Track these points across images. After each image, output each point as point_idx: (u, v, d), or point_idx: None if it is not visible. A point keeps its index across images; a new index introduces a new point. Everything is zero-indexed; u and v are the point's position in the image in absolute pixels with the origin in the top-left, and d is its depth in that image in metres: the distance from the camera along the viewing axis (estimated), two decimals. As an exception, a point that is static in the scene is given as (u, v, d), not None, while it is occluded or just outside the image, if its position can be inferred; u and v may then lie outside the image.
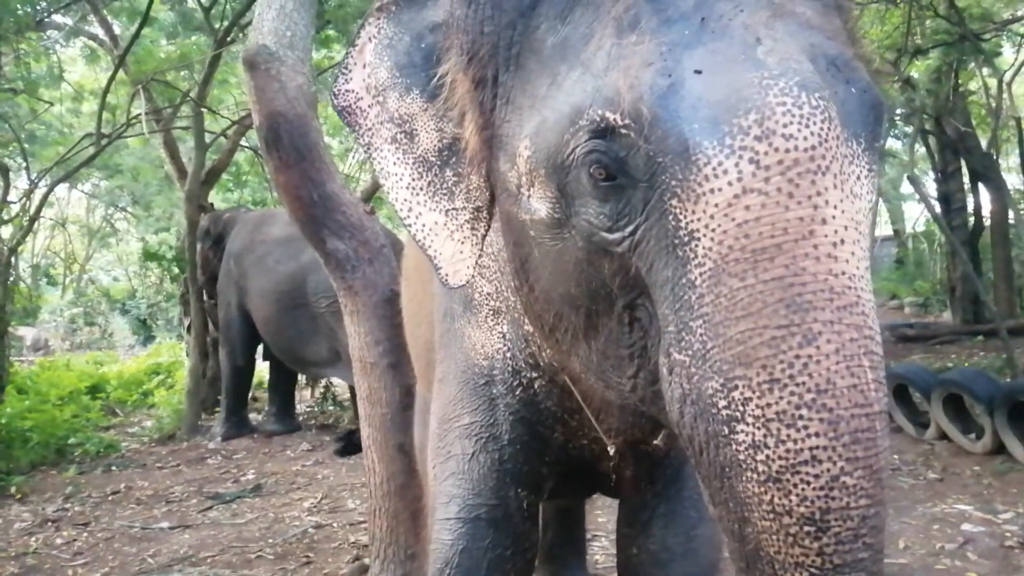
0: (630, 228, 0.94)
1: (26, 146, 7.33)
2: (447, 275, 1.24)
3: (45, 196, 7.00)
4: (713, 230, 0.87)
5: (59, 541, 4.05)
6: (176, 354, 9.64)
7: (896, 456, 4.73)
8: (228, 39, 6.69)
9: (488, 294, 1.50)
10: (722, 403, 0.84)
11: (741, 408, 0.83)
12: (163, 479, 5.27)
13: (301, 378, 7.29)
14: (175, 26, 8.50)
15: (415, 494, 2.83)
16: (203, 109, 6.96)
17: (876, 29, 7.80)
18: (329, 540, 3.88)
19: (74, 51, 10.93)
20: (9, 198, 7.22)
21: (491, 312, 1.49)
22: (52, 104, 7.95)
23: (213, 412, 7.08)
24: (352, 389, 6.95)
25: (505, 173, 1.14)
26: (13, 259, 6.99)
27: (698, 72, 0.90)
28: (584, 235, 0.99)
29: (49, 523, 4.37)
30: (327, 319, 5.56)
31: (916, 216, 18.49)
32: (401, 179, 1.24)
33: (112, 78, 6.63)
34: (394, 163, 1.24)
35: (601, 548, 3.51)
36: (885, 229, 18.57)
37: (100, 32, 8.60)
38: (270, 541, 3.88)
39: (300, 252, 5.68)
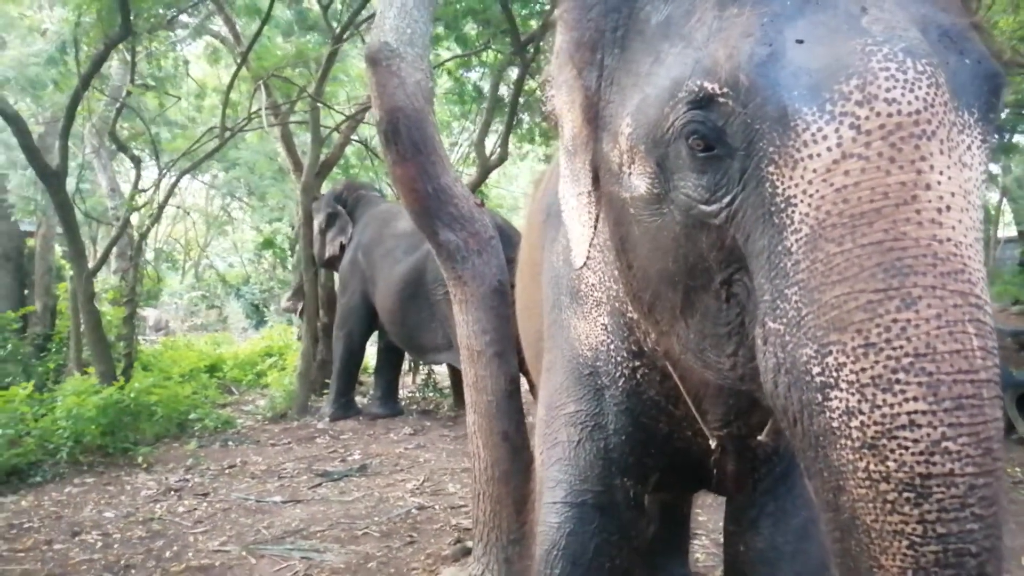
0: (727, 199, 0.95)
1: (155, 138, 7.80)
2: (575, 257, 1.28)
3: (172, 186, 7.45)
4: (811, 196, 0.86)
5: (181, 509, 4.32)
6: (287, 338, 10.08)
7: (1019, 468, 4.48)
8: (344, 37, 6.92)
9: (592, 285, 1.53)
10: (816, 370, 0.83)
11: (835, 374, 0.81)
12: (275, 455, 5.54)
13: (404, 365, 7.52)
14: (291, 24, 8.89)
15: (519, 480, 2.89)
16: (320, 104, 7.22)
17: (1008, 18, 7.33)
18: (431, 521, 3.99)
19: (197, 49, 11.58)
20: (139, 188, 7.69)
21: (594, 303, 1.52)
22: (179, 99, 8.45)
23: (322, 394, 7.38)
24: (454, 376, 7.15)
25: (608, 153, 1.17)
26: (142, 245, 7.43)
27: (799, 41, 0.90)
28: (682, 209, 1.00)
29: (172, 492, 4.66)
30: (443, 307, 5.74)
31: (1046, 216, 17.28)
32: (561, 171, 1.31)
33: (236, 74, 6.98)
34: (560, 157, 1.32)
35: (702, 547, 3.49)
36: (1009, 230, 17.43)
37: (223, 30, 9.11)
38: (375, 519, 4.03)
39: (422, 243, 5.90)
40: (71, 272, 7.01)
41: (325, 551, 3.59)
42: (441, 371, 7.80)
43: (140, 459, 5.29)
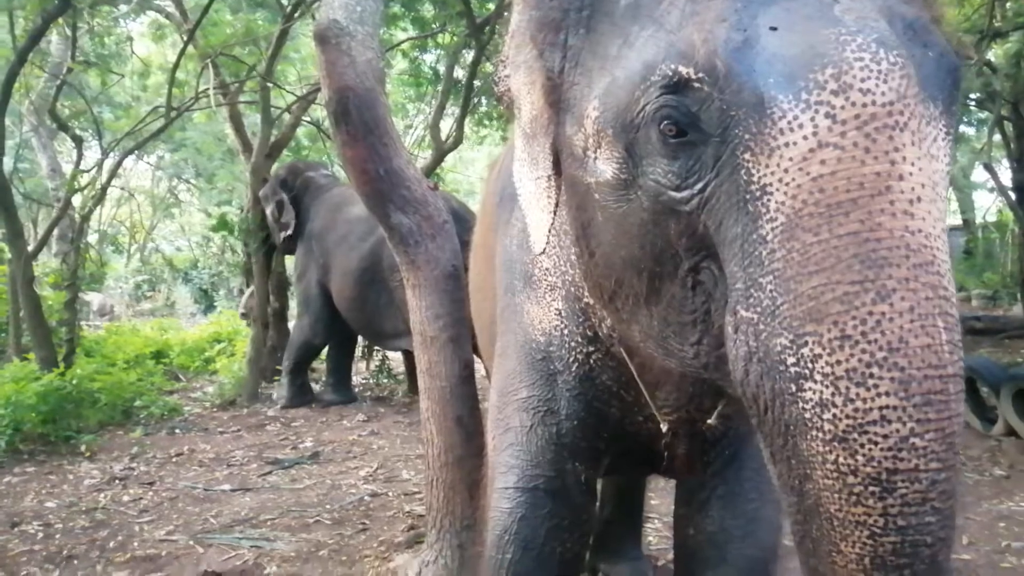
0: (699, 185, 0.94)
1: (98, 117, 7.54)
2: (534, 243, 1.26)
3: (116, 166, 7.20)
4: (787, 184, 0.86)
5: (126, 498, 4.21)
6: (236, 323, 9.88)
7: (962, 452, 4.61)
8: (295, 15, 6.77)
9: (547, 269, 1.51)
10: (790, 360, 0.83)
11: (810, 365, 0.81)
12: (224, 443, 5.44)
13: (357, 351, 7.44)
14: (240, 1, 8.67)
15: (472, 466, 2.87)
16: (270, 84, 7.05)
17: (956, 12, 7.50)
18: (384, 508, 3.96)
19: (141, 26, 11.23)
20: (81, 168, 7.44)
21: (548, 288, 1.50)
22: (123, 76, 8.18)
23: (272, 380, 7.26)
24: (408, 363, 7.09)
25: (571, 137, 1.15)
26: (84, 227, 7.19)
27: (773, 28, 0.90)
28: (651, 195, 0.99)
29: (117, 481, 4.54)
30: (400, 293, 5.67)
31: (987, 206, 17.85)
32: (517, 153, 1.29)
33: (182, 52, 6.77)
34: (516, 140, 1.30)
35: (654, 530, 3.52)
36: (954, 219, 17.97)
37: (168, 6, 8.83)
38: (327, 507, 3.98)
39: (377, 228, 5.81)
40: (9, 255, 6.76)
41: (275, 539, 3.53)
42: (395, 357, 7.73)
43: (83, 447, 5.14)
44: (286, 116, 8.21)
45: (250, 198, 7.28)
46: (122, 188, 16.77)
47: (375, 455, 5.09)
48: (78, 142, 7.24)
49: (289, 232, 6.80)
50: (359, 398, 6.98)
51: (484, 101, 9.21)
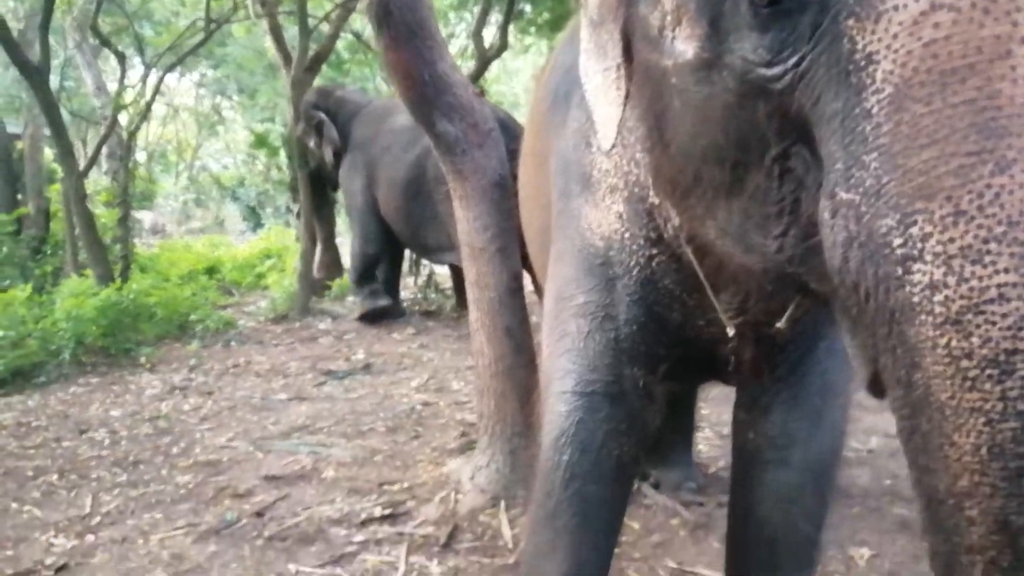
0: (794, 59, 0.86)
1: (139, 33, 7.49)
2: (602, 139, 1.20)
3: (159, 82, 7.19)
4: (895, 51, 0.78)
5: (186, 407, 4.36)
6: (286, 239, 10.01)
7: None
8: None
9: (606, 170, 1.44)
10: (897, 241, 0.76)
11: (919, 245, 0.75)
12: (278, 355, 5.57)
13: (404, 266, 7.47)
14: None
15: (522, 375, 2.90)
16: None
17: None
18: (436, 417, 4.03)
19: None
20: (125, 85, 7.45)
21: (608, 190, 1.43)
22: (162, -11, 8.08)
23: (322, 295, 7.36)
24: (456, 278, 7.11)
25: (646, 17, 1.07)
26: (131, 145, 7.24)
27: None
28: (737, 74, 0.91)
29: (177, 391, 4.70)
30: (445, 206, 5.62)
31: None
32: (583, 44, 1.21)
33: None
34: (582, 29, 1.22)
35: (705, 439, 3.53)
36: None
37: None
38: (381, 415, 4.07)
39: (420, 138, 5.74)
40: (61, 173, 6.87)
41: (331, 446, 3.63)
42: (443, 272, 7.75)
43: (143, 359, 5.31)
44: (324, 28, 8.05)
45: (292, 113, 7.22)
46: (167, 104, 16.84)
47: (425, 367, 5.16)
48: (121, 59, 7.22)
49: (336, 146, 6.70)
50: (407, 312, 7.05)
51: (529, 7, 8.89)
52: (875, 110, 0.79)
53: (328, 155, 6.80)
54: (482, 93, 2.81)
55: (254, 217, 19.90)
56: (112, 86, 9.45)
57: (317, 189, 7.30)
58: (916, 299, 0.76)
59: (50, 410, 4.35)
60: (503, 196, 2.83)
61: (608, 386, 1.51)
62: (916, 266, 0.76)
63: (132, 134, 6.97)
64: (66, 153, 6.31)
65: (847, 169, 0.82)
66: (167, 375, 5.06)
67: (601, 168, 1.44)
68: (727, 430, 3.71)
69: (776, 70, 0.87)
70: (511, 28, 8.06)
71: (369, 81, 13.71)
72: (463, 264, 2.94)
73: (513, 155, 2.85)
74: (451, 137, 2.69)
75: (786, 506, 1.58)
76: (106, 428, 3.99)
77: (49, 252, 7.61)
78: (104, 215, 7.22)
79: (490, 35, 8.46)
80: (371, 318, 6.54)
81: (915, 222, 0.76)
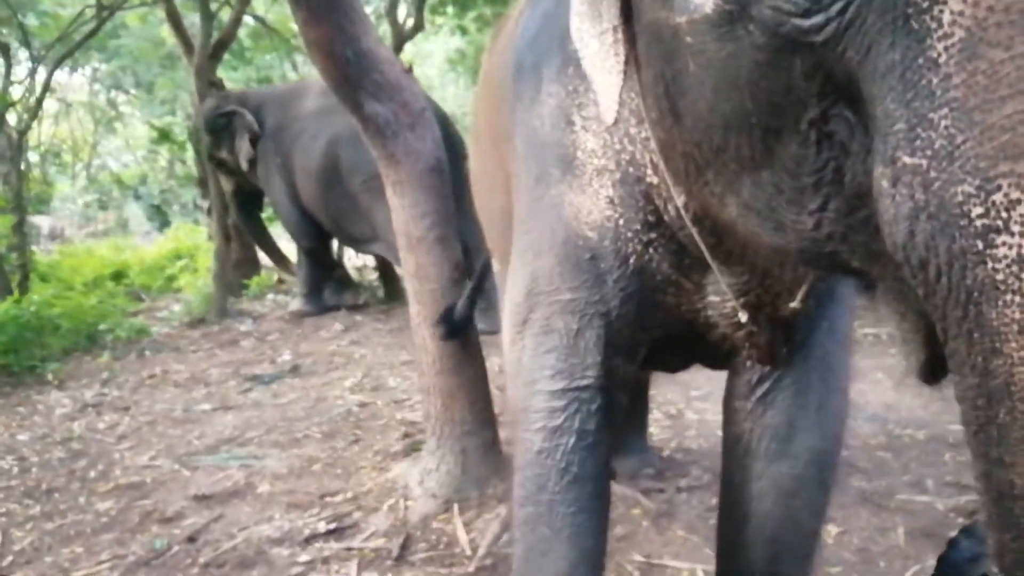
0: (838, 6, 0.72)
1: (25, 24, 6.90)
2: (604, 113, 1.05)
3: (50, 74, 6.68)
4: None
5: (101, 426, 4.03)
6: (195, 238, 9.52)
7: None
8: None
9: (592, 150, 1.28)
10: (976, 211, 0.65)
11: (1004, 214, 0.64)
12: (198, 362, 5.24)
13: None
14: None
15: (470, 372, 2.74)
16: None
17: None
18: (374, 418, 3.84)
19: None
20: (11, 80, 6.89)
21: (595, 172, 1.28)
22: (44, -24, 7.48)
23: (240, 295, 7.01)
24: (383, 268, 6.88)
25: None
26: (22, 145, 6.71)
27: None
28: (768, 27, 0.77)
29: (89, 408, 4.35)
30: (363, 197, 5.39)
31: None
32: (575, 7, 1.07)
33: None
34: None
35: (654, 420, 3.45)
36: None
37: None
38: (315, 420, 3.84)
39: (329, 126, 5.46)
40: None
41: (264, 457, 3.40)
42: (370, 264, 7.50)
43: (50, 376, 4.91)
44: (225, 13, 7.62)
45: (195, 104, 6.81)
46: (60, 101, 15.86)
47: (358, 365, 4.94)
48: (5, 52, 6.65)
49: (255, 133, 6.23)
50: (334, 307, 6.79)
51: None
52: (943, 59, 0.66)
53: (246, 149, 6.33)
54: (410, 70, 2.62)
55: (160, 216, 19.05)
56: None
57: (244, 192, 6.91)
58: (1000, 276, 0.65)
59: (-55, 438, 3.95)
60: (440, 181, 2.66)
61: (598, 380, 1.39)
62: (1000, 238, 0.64)
63: (23, 134, 6.44)
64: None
65: (911, 130, 0.69)
66: (77, 391, 4.69)
67: (586, 148, 1.28)
68: (675, 410, 3.70)
69: (816, 19, 0.73)
70: (425, 7, 7.81)
71: (275, 69, 13.19)
72: (400, 255, 2.75)
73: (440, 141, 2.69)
74: (380, 119, 2.49)
75: (788, 500, 1.48)
76: (13, 455, 3.64)
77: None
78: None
79: (402, 14, 8.18)
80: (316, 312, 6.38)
81: (999, 187, 0.64)
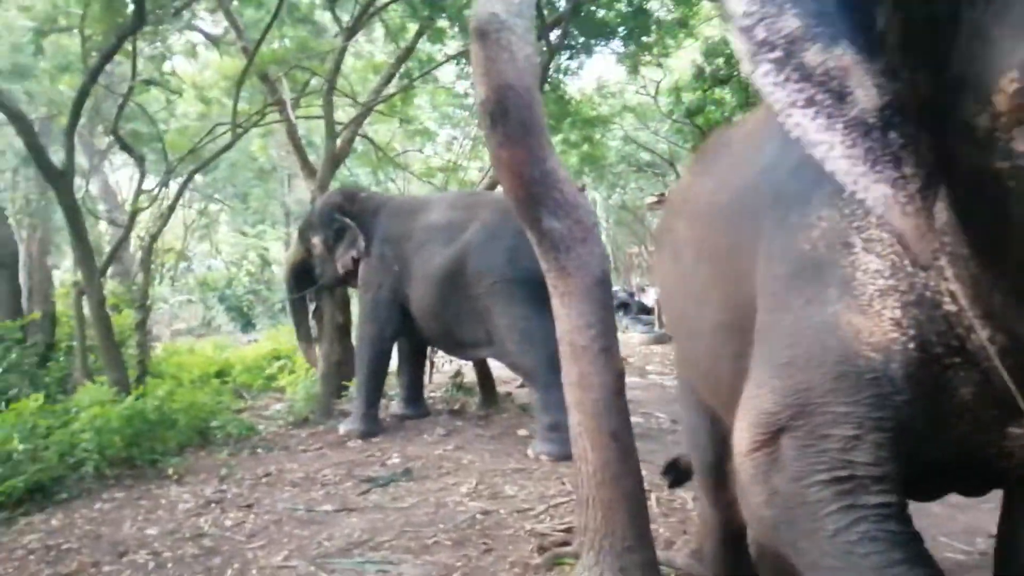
0: None
1: (162, 137, 7.48)
2: (916, 254, 1.09)
3: (183, 185, 7.17)
4: None
5: (228, 523, 4.08)
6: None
7: None
8: (357, 28, 6.70)
9: (875, 271, 1.32)
10: None
11: None
12: (310, 462, 5.31)
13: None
14: (284, 18, 8.63)
15: (630, 484, 2.73)
16: (334, 96, 6.98)
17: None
18: (500, 527, 3.80)
19: (176, 46, 11.23)
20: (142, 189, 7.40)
21: (878, 293, 1.31)
22: (180, 94, 8.16)
23: (341, 396, 7.13)
24: (482, 374, 6.95)
25: (970, 119, 0.99)
26: (152, 248, 7.13)
27: None
28: None
29: (212, 504, 4.42)
30: (483, 300, 5.53)
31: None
32: (833, 148, 1.07)
33: (247, 68, 6.67)
34: (817, 129, 1.07)
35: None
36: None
37: (208, 27, 8.81)
38: (441, 527, 3.82)
39: (459, 236, 5.71)
40: (71, 278, 6.71)
41: (399, 563, 3.39)
42: (470, 370, 7.57)
43: (171, 470, 5.03)
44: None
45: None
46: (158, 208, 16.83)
47: (469, 470, 4.93)
48: (140, 162, 7.19)
49: (357, 254, 6.41)
50: (431, 412, 6.85)
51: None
52: None
53: (346, 262, 6.53)
54: (583, 188, 2.75)
55: (243, 318, 19.71)
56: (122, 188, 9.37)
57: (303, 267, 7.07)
58: None
59: (79, 530, 4.05)
60: (605, 293, 2.73)
61: (872, 481, 1.35)
62: None
63: (154, 238, 6.86)
64: (87, 257, 6.17)
65: None
66: (197, 487, 4.78)
67: (868, 269, 1.33)
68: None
69: None
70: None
71: (370, 182, 13.85)
72: (563, 364, 2.80)
73: None
74: (556, 234, 2.60)
75: None
76: (146, 549, 3.71)
77: (60, 359, 7.34)
78: (116, 319, 7.01)
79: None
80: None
81: None
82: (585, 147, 12.33)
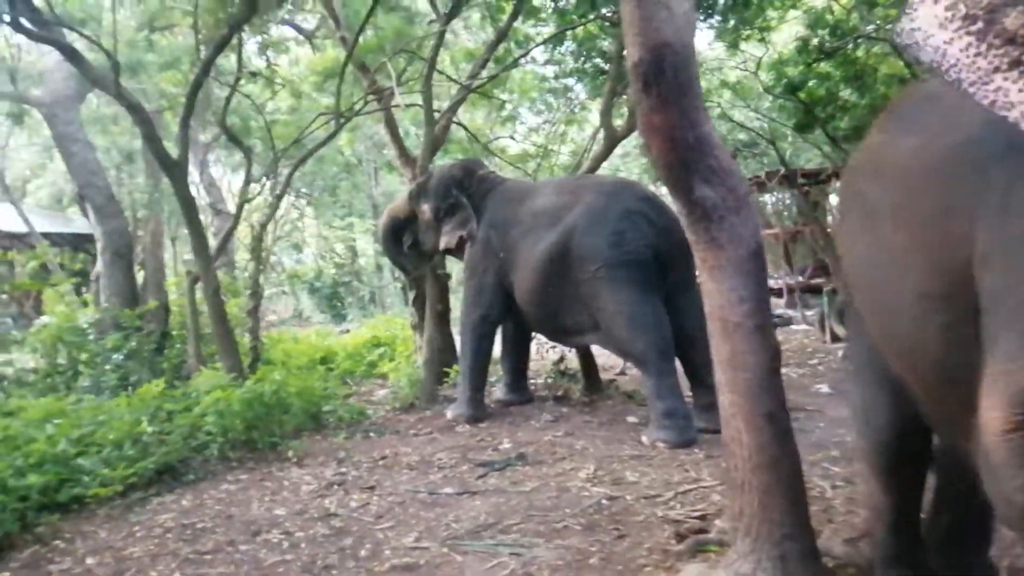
0: None
1: (269, 128, 7.64)
2: None
3: (290, 174, 7.29)
4: None
5: (353, 504, 4.11)
6: (392, 327, 9.91)
7: None
8: (455, 11, 6.66)
9: None
10: None
11: None
12: (422, 446, 5.32)
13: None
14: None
15: (787, 468, 2.59)
16: (432, 84, 6.97)
17: None
18: (629, 513, 3.69)
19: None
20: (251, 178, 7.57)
21: None
22: (284, 86, 8.32)
23: (442, 382, 7.14)
24: (585, 361, 6.84)
25: None
26: (263, 236, 7.28)
27: None
28: None
29: (335, 486, 4.46)
30: (588, 285, 5.40)
31: None
32: None
33: (348, 58, 6.74)
34: (1019, 92, 1.05)
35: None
36: None
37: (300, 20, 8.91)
38: (568, 511, 3.75)
39: (563, 220, 5.59)
40: (187, 269, 6.92)
41: (531, 546, 3.32)
42: (573, 356, 7.49)
43: (290, 453, 5.12)
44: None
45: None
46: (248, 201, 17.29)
47: (584, 456, 4.84)
48: (247, 153, 7.35)
49: (466, 235, 6.35)
50: (535, 399, 6.79)
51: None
52: None
53: (452, 239, 6.48)
54: (735, 155, 2.61)
55: (332, 308, 20.14)
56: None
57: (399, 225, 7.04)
58: None
59: (209, 510, 4.15)
60: (758, 267, 2.59)
61: None
62: None
63: (263, 226, 7.01)
64: (201, 247, 6.34)
65: None
66: (316, 469, 4.85)
67: None
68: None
69: None
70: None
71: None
72: (712, 342, 2.67)
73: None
74: (709, 203, 2.47)
75: None
76: (278, 529, 3.76)
77: (176, 346, 7.60)
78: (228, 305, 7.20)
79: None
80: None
81: None
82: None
